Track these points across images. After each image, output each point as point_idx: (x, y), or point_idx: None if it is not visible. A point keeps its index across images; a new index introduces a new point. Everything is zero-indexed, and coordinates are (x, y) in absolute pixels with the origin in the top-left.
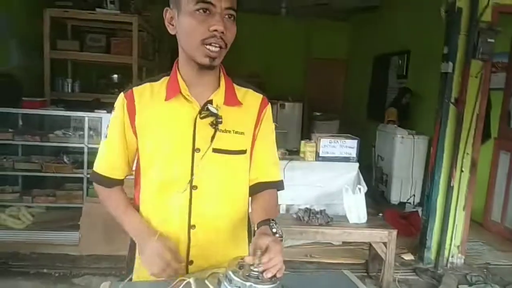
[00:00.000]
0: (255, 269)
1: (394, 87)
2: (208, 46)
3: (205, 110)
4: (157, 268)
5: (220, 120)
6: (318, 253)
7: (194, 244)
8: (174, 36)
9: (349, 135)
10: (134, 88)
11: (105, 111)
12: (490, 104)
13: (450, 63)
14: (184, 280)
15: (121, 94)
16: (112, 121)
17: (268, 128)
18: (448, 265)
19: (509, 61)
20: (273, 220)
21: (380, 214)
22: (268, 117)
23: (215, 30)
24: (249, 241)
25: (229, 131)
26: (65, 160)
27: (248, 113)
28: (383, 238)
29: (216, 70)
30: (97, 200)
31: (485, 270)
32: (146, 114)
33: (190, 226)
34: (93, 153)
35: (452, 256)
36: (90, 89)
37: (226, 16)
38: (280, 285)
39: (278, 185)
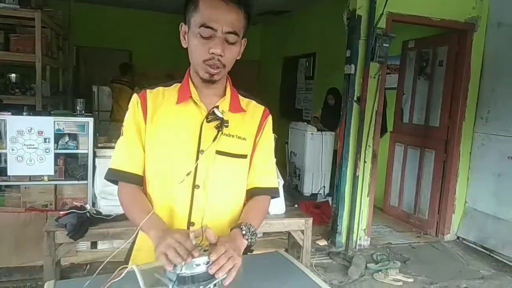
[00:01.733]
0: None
1: (302, 87)
2: (208, 66)
3: (211, 115)
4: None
5: (227, 124)
6: None
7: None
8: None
9: None
10: (148, 90)
11: (9, 113)
12: (386, 102)
13: (353, 65)
14: (126, 267)
15: (135, 95)
16: (127, 119)
17: (268, 137)
18: (357, 247)
19: (401, 64)
20: (249, 224)
21: (296, 205)
22: (269, 127)
23: (213, 53)
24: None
25: (233, 136)
26: None
27: (251, 121)
28: (300, 226)
29: (223, 81)
30: (4, 209)
31: (388, 249)
32: (157, 114)
33: (190, 223)
34: None
35: (360, 239)
36: None
37: (228, 39)
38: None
39: (273, 192)
